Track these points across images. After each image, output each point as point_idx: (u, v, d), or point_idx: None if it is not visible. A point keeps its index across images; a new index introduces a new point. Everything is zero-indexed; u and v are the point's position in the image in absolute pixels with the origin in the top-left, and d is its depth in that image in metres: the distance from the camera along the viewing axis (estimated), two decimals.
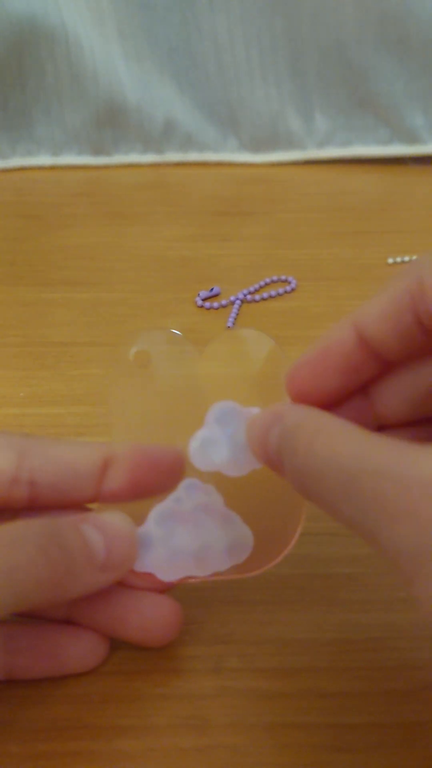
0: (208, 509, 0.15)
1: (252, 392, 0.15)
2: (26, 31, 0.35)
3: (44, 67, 0.36)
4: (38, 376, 0.24)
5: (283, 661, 0.15)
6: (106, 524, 0.14)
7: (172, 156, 0.38)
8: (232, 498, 0.15)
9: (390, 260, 0.30)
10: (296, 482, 0.12)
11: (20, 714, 0.14)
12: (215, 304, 0.27)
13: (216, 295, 0.28)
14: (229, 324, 0.26)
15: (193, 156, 0.38)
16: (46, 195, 0.36)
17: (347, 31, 0.34)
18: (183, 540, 0.14)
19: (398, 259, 0.30)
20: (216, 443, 0.14)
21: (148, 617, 0.14)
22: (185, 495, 0.15)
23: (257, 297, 0.28)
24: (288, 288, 0.28)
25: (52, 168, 0.38)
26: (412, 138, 0.37)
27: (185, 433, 0.15)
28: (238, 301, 0.27)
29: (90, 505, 0.15)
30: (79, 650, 0.14)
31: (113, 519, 0.14)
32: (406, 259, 0.30)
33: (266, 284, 0.28)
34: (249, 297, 0.27)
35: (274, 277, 0.29)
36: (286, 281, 0.29)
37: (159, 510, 0.15)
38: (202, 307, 0.27)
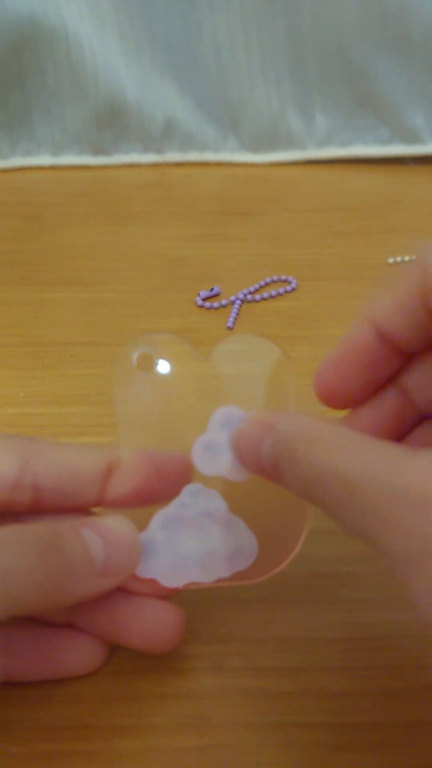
0: (212, 515, 0.15)
1: (256, 397, 0.15)
2: (26, 31, 0.35)
3: (44, 67, 0.36)
4: (38, 376, 0.24)
5: (284, 660, 0.15)
6: (107, 529, 0.13)
7: (173, 156, 0.38)
8: (236, 503, 0.15)
9: (390, 260, 0.30)
10: (299, 490, 0.12)
11: (20, 714, 0.14)
12: (215, 304, 0.27)
13: (216, 295, 0.28)
14: (229, 324, 0.26)
15: (194, 156, 0.38)
16: (46, 195, 0.36)
17: (348, 30, 0.34)
18: (187, 545, 0.14)
19: (399, 259, 0.30)
20: (219, 448, 0.14)
21: (150, 624, 0.14)
22: (189, 500, 0.15)
23: (257, 297, 0.28)
24: (288, 288, 0.28)
25: (52, 168, 0.38)
26: (413, 138, 0.37)
27: (189, 437, 0.15)
28: (238, 301, 0.27)
29: (94, 510, 0.15)
30: (79, 654, 0.14)
31: (114, 523, 0.14)
32: (407, 258, 0.30)
33: (266, 284, 0.28)
34: (249, 297, 0.27)
35: (275, 277, 0.29)
36: (286, 281, 0.29)
37: (163, 515, 0.14)
38: (202, 307, 0.27)
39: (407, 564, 0.10)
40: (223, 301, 0.27)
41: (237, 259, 0.30)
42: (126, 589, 0.14)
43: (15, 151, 0.38)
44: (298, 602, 0.16)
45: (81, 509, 0.14)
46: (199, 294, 0.28)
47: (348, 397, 0.14)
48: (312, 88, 0.36)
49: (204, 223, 0.33)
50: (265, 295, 0.28)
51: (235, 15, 0.35)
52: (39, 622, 0.14)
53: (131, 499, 0.14)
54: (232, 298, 0.28)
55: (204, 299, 0.28)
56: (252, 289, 0.28)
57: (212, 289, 0.28)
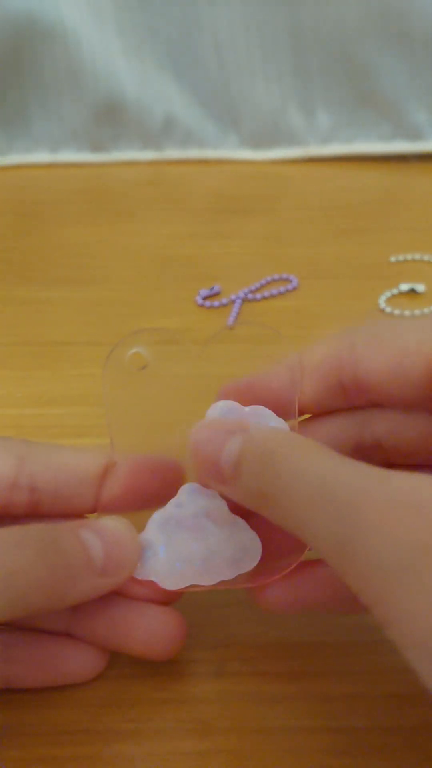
0: (212, 515, 0.14)
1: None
2: (24, 27, 0.34)
3: (42, 63, 0.35)
4: (36, 376, 0.24)
5: (285, 665, 0.15)
6: (105, 529, 0.13)
7: (172, 153, 0.38)
8: (237, 503, 0.14)
9: (392, 258, 0.29)
10: (254, 496, 0.12)
11: (20, 719, 0.14)
12: (216, 303, 0.27)
13: (216, 294, 0.28)
14: (230, 323, 0.26)
15: (193, 153, 0.38)
16: (43, 192, 0.36)
17: (350, 26, 0.34)
18: (185, 547, 0.14)
19: (401, 258, 0.29)
20: None
21: (150, 631, 0.14)
22: (187, 500, 0.14)
23: (258, 296, 0.27)
24: (289, 287, 0.28)
25: (50, 165, 0.37)
26: (416, 134, 0.37)
27: (185, 435, 0.14)
28: (239, 300, 0.27)
29: (90, 516, 0.15)
30: (78, 661, 0.14)
31: (113, 523, 0.14)
32: (409, 257, 0.29)
33: (267, 283, 0.28)
34: (250, 296, 0.27)
35: (276, 276, 0.28)
36: (287, 280, 0.28)
37: (160, 516, 0.14)
38: (202, 306, 0.27)
39: (387, 576, 0.09)
40: (224, 300, 0.27)
41: (237, 258, 0.30)
42: (125, 595, 0.14)
43: (12, 148, 0.37)
44: None
45: (78, 513, 0.14)
46: (199, 293, 0.27)
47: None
48: (313, 84, 0.36)
49: (204, 221, 0.32)
50: (266, 294, 0.27)
51: (236, 9, 0.34)
52: (38, 629, 0.14)
53: (125, 501, 0.14)
54: (233, 297, 0.27)
55: (204, 298, 0.27)
56: (253, 287, 0.28)
57: (212, 288, 0.28)
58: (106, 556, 0.13)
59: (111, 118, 0.37)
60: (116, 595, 0.14)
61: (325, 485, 0.10)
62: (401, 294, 0.27)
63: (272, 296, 0.27)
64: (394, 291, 0.27)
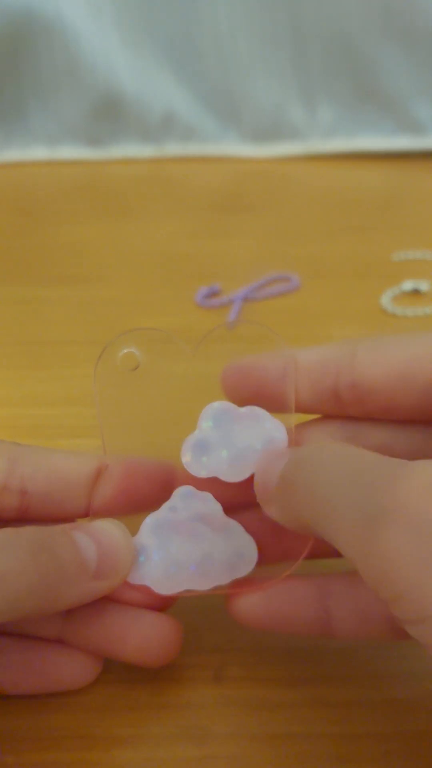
0: (206, 518, 0.14)
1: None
2: (22, 21, 0.34)
3: (40, 58, 0.35)
4: (33, 376, 0.24)
5: (284, 670, 0.15)
6: (99, 531, 0.13)
7: (172, 149, 0.37)
8: (233, 507, 0.14)
9: (395, 256, 0.29)
10: (295, 516, 0.12)
11: (16, 724, 0.14)
12: (216, 302, 0.27)
13: (216, 293, 0.27)
14: (226, 322, 0.26)
15: (193, 149, 0.37)
16: (41, 189, 0.35)
17: (351, 21, 0.34)
18: (180, 551, 0.14)
19: (403, 255, 0.29)
20: (211, 447, 0.14)
21: (145, 638, 0.14)
22: (180, 504, 0.14)
23: (259, 295, 0.27)
24: (291, 286, 0.28)
25: (47, 163, 0.37)
26: (418, 130, 0.36)
27: (178, 437, 0.14)
28: (239, 300, 0.27)
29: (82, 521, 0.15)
30: (72, 668, 0.14)
31: (106, 526, 0.13)
32: (411, 255, 0.29)
33: (268, 282, 0.28)
34: (250, 295, 0.27)
35: (276, 275, 0.28)
36: (288, 278, 0.28)
37: (153, 519, 0.14)
38: (202, 305, 0.27)
39: (419, 562, 0.09)
40: (224, 299, 0.27)
41: (238, 256, 0.29)
42: (119, 600, 0.14)
43: (10, 144, 0.37)
44: None
45: (70, 517, 0.14)
46: (199, 292, 0.27)
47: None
48: (315, 80, 0.36)
49: (204, 218, 0.32)
50: (267, 293, 0.27)
51: (236, 2, 0.34)
52: (30, 635, 0.14)
53: (117, 505, 0.14)
54: (233, 296, 0.27)
55: (204, 297, 0.27)
56: (253, 286, 0.28)
57: (212, 287, 0.27)
58: (99, 559, 0.13)
59: (110, 114, 0.36)
60: (109, 601, 0.14)
61: (353, 467, 0.10)
62: (404, 293, 0.27)
63: (273, 295, 0.27)
64: (396, 290, 0.27)
